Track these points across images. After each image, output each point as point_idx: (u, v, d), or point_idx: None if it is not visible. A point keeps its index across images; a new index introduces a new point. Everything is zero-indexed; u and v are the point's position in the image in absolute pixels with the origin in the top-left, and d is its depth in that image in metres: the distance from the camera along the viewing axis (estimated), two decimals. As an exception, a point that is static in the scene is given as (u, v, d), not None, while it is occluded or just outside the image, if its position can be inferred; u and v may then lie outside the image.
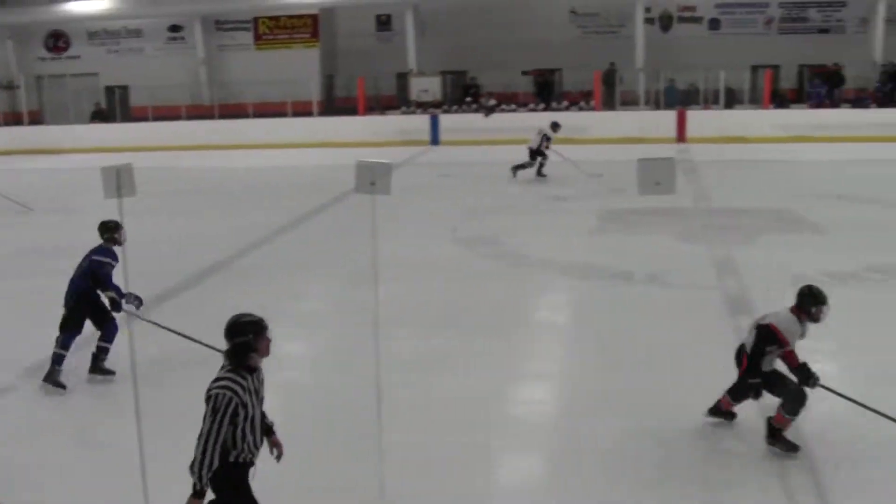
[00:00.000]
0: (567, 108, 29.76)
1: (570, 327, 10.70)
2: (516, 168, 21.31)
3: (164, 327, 8.48)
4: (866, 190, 18.16)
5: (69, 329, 8.87)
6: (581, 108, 29.83)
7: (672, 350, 9.38)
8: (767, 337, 6.93)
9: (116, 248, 8.79)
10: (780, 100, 30.53)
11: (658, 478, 6.68)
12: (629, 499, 6.41)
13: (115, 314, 8.90)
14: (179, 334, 8.26)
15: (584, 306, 11.36)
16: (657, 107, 30.16)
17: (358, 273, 10.72)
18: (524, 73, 31.65)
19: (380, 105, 32.79)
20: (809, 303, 7.02)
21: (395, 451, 6.53)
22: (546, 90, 31.89)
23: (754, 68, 31.38)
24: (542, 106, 30.41)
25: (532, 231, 15.58)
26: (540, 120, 22.87)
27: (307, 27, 35.02)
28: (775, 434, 6.94)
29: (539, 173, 21.54)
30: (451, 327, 10.35)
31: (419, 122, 29.89)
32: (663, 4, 33.10)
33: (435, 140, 29.35)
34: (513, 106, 30.74)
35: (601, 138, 26.58)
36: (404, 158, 24.77)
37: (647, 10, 32.17)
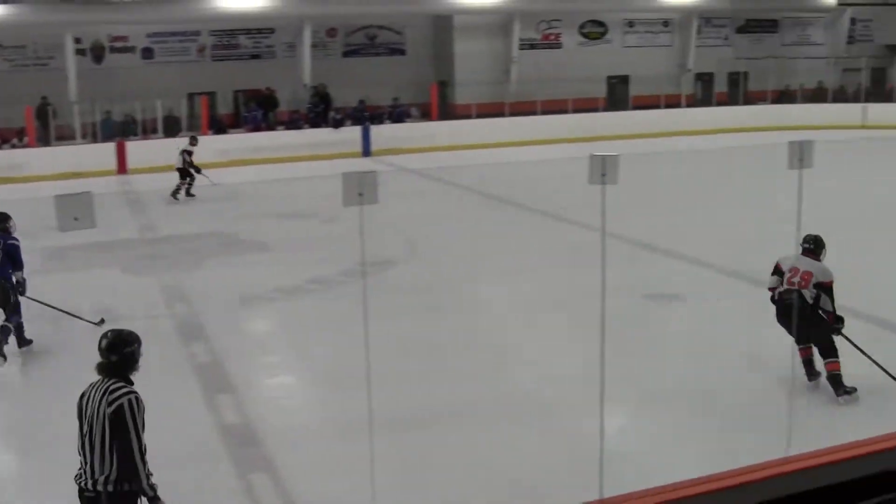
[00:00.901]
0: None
1: (19, 374, 10.18)
2: (175, 192, 21.35)
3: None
4: (304, 206, 19.05)
5: None
6: (14, 146, 28.37)
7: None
8: (831, 287, 8.07)
9: None
10: (219, 125, 31.13)
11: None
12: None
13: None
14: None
15: (32, 349, 10.84)
16: (95, 140, 29.45)
17: None
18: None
19: None
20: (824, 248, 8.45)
21: None
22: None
23: (191, 95, 31.73)
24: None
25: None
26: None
27: None
28: (840, 382, 8.03)
29: (188, 193, 21.50)
30: None
31: None
32: (94, 35, 32.40)
33: None
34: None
35: (38, 175, 25.44)
36: None
37: (78, 40, 31.28)
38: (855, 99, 35.62)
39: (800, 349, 8.37)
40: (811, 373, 8.41)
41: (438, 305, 11.85)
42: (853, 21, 40.15)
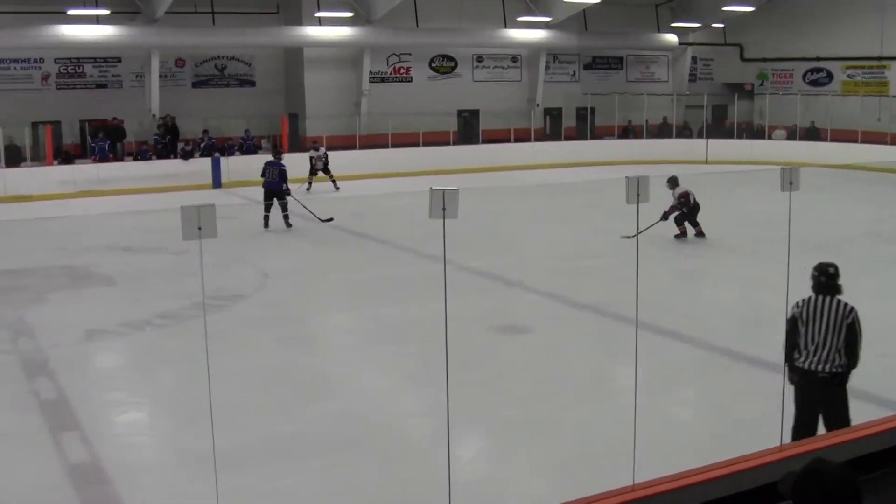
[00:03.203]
0: None
1: None
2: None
3: None
4: (152, 239, 18.80)
5: None
6: None
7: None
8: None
9: None
10: (65, 156, 30.43)
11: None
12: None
13: None
14: None
15: None
16: (-68, 168, 28.46)
17: None
18: None
19: None
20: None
21: None
22: None
23: (35, 124, 30.92)
24: None
25: None
26: None
27: None
28: None
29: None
30: None
31: None
32: (-71, 60, 31.36)
33: None
34: None
35: None
36: None
37: (-88, 66, 30.28)
38: (698, 135, 37.02)
39: None
40: None
41: (287, 337, 11.86)
42: (694, 60, 41.99)
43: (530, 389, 9.75)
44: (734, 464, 5.07)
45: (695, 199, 18.13)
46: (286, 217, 20.13)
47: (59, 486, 7.52)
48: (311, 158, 28.37)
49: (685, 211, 18.11)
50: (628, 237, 15.20)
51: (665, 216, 17.74)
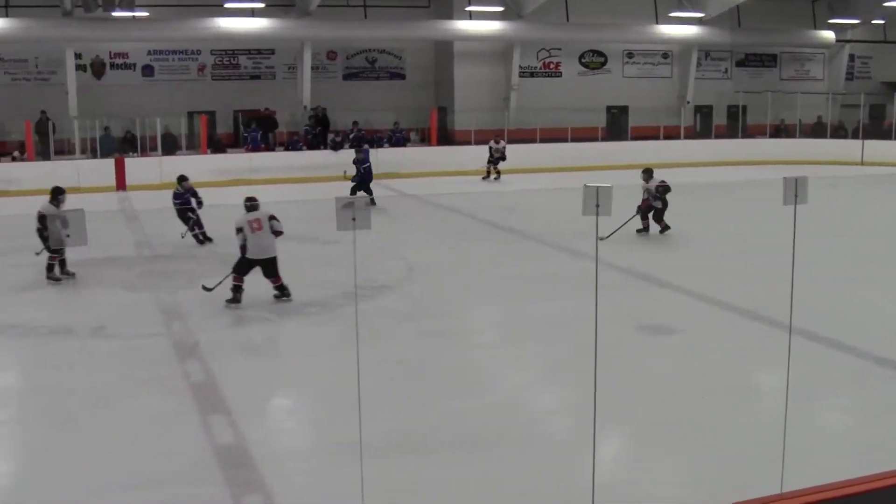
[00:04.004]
0: (-1, 160, 28.23)
1: (13, 388, 10.14)
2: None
3: None
4: (301, 228, 19.03)
5: None
6: (14, 159, 28.38)
7: (121, 401, 9.23)
8: None
9: None
10: (217, 145, 31.18)
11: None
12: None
13: None
14: None
15: (24, 366, 10.82)
16: (94, 155, 29.48)
17: None
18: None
19: None
20: None
21: None
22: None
23: (190, 114, 31.81)
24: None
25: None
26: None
27: None
28: None
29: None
30: None
31: None
32: (95, 51, 32.49)
33: None
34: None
35: (36, 189, 25.33)
36: None
37: (79, 56, 31.40)
38: (854, 135, 35.73)
39: None
40: None
41: (433, 331, 11.82)
42: (852, 58, 40.47)
43: (674, 391, 9.49)
44: (887, 477, 4.77)
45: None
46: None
47: (205, 467, 7.63)
48: (490, 149, 29.22)
49: (661, 206, 17.79)
50: (602, 238, 15.34)
51: (641, 211, 17.66)
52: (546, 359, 10.75)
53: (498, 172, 29.22)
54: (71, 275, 14.58)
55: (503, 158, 29.20)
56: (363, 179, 22.69)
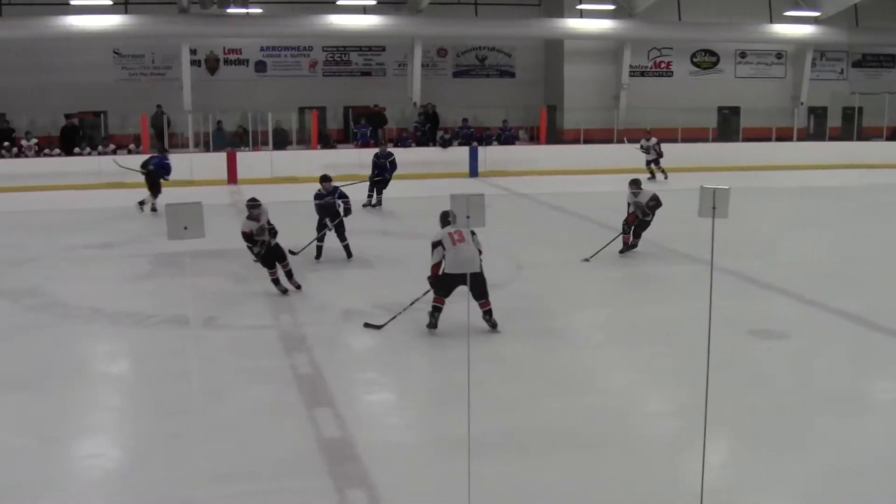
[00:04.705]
0: (114, 152, 28.84)
1: (126, 376, 10.35)
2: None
3: None
4: (410, 224, 19.15)
5: None
6: (130, 152, 29.03)
7: (230, 391, 9.34)
8: None
9: None
10: (327, 140, 31.49)
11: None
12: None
13: None
14: None
15: (138, 354, 11.03)
16: (207, 149, 30.04)
17: None
18: (67, 116, 30.25)
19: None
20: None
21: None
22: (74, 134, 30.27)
23: (301, 110, 32.22)
24: (87, 150, 29.15)
25: (79, 280, 14.86)
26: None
27: None
28: None
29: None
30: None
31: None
32: (209, 46, 33.12)
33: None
34: (57, 150, 29.30)
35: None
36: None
37: (194, 51, 32.06)
38: (981, 143, 34.46)
39: None
40: None
41: (539, 330, 11.72)
42: (976, 58, 39.10)
43: (783, 398, 9.23)
44: None
45: None
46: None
47: (310, 459, 7.67)
48: (641, 148, 28.21)
49: (649, 220, 16.14)
50: (587, 259, 15.38)
51: (631, 229, 16.25)
52: (653, 361, 10.56)
53: (663, 171, 27.99)
54: (297, 287, 13.69)
55: (660, 155, 28.17)
56: (383, 178, 22.81)
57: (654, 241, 16.94)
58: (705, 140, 33.69)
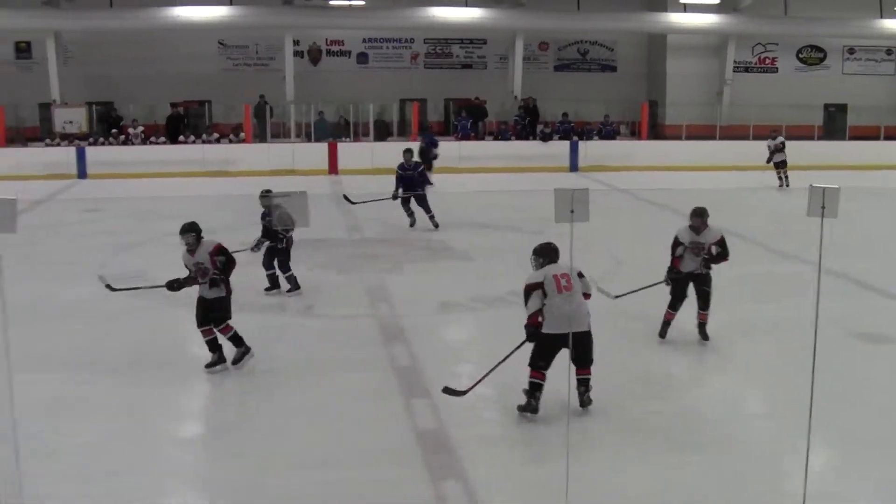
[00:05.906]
0: (217, 141, 29.32)
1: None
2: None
3: None
4: (508, 217, 19.09)
5: None
6: (231, 141, 29.48)
7: (327, 379, 9.42)
8: None
9: None
10: (428, 132, 31.55)
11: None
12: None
13: None
14: None
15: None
16: (308, 139, 30.35)
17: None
18: (173, 105, 30.85)
19: (22, 137, 30.86)
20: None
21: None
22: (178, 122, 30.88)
23: (402, 101, 32.38)
24: (192, 138, 29.64)
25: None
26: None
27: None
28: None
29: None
30: (97, 370, 9.84)
31: (64, 155, 28.24)
32: (312, 38, 33.46)
33: (82, 173, 27.91)
34: (162, 139, 29.88)
35: (251, 171, 26.24)
36: (49, 193, 23.64)
37: (297, 43, 32.39)
38: None
39: None
40: None
41: (635, 329, 11.55)
42: None
43: (889, 402, 8.98)
44: None
45: None
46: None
47: (406, 449, 7.72)
48: (768, 147, 26.06)
49: (706, 273, 11.09)
50: (617, 297, 11.18)
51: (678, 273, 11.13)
52: (754, 362, 10.37)
53: (786, 177, 25.69)
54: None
55: (785, 158, 25.70)
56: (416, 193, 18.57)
57: (755, 240, 16.64)
58: (810, 138, 32.93)
